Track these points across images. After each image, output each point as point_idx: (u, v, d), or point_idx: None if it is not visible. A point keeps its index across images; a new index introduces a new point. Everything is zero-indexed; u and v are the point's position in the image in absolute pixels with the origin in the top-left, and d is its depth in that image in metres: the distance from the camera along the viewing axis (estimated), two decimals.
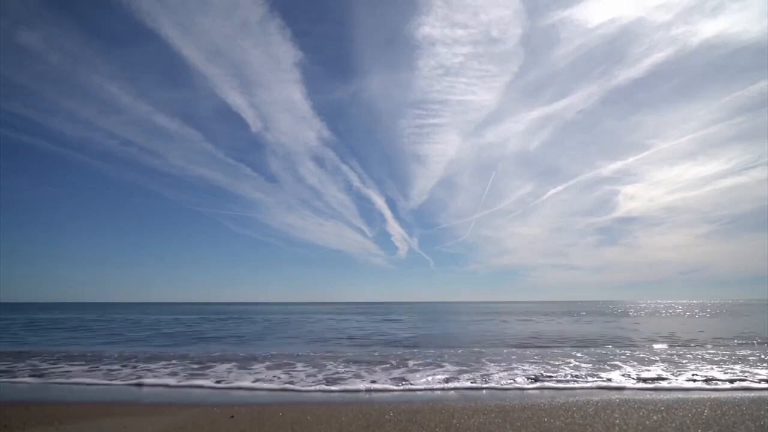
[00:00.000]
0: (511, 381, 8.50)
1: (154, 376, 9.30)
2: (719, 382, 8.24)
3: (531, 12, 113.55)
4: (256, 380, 8.80)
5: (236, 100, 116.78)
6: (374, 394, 7.59)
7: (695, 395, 7.15)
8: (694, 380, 8.43)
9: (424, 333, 21.49)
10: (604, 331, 21.51)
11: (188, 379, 9.05)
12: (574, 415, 5.76)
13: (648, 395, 7.25)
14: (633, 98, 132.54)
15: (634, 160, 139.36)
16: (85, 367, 10.63)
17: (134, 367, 10.60)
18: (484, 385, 8.15)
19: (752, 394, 7.33)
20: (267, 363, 11.13)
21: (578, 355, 12.46)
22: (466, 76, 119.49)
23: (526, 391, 7.67)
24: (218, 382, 8.67)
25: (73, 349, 14.66)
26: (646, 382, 8.29)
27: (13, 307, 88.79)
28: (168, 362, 11.32)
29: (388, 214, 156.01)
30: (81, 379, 9.15)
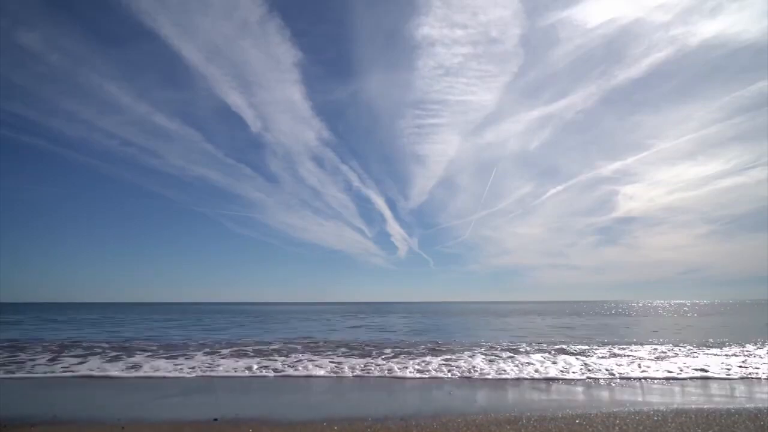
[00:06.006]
0: None
1: None
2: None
3: (530, 12, 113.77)
4: None
5: (236, 100, 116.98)
6: None
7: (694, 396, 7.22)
8: None
9: None
10: None
11: None
12: None
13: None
14: (632, 98, 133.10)
15: (633, 160, 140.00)
16: None
17: None
18: None
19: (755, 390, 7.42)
20: None
21: None
22: (466, 77, 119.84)
23: None
24: None
25: None
26: None
27: (12, 307, 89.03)
28: None
29: (387, 214, 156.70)
30: None
